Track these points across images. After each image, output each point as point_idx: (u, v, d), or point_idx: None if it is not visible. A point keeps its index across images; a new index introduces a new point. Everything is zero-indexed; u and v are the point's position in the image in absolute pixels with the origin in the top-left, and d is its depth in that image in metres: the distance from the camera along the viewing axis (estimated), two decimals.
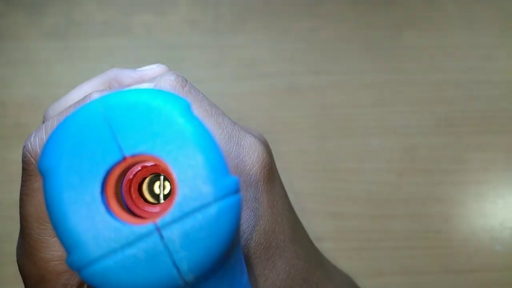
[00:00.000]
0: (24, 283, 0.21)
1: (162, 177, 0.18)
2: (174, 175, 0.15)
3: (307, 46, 0.59)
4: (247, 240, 0.22)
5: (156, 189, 0.18)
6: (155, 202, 0.18)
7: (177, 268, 0.14)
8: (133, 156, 0.15)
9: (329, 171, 0.55)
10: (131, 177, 0.17)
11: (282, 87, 0.58)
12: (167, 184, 0.18)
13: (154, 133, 0.15)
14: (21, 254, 0.21)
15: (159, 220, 0.15)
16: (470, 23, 0.60)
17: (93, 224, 0.15)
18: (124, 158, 0.15)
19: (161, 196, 0.18)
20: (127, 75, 0.25)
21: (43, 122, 0.23)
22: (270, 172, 0.23)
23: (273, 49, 0.59)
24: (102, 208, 0.15)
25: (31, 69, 0.58)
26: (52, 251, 0.20)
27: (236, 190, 0.16)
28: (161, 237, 0.15)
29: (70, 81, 0.58)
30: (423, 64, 0.59)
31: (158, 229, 0.15)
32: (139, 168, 0.17)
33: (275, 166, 0.25)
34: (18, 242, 0.22)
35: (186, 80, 0.24)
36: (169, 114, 0.15)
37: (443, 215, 0.54)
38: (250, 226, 0.23)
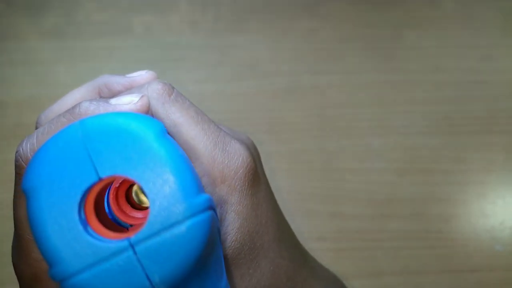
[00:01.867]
0: (19, 282, 0.22)
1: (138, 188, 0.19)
2: (147, 195, 0.16)
3: (307, 46, 0.59)
4: (232, 241, 0.23)
5: (142, 197, 0.19)
6: (144, 206, 0.19)
7: (150, 280, 0.16)
8: (107, 177, 0.16)
9: (329, 171, 0.55)
10: (117, 185, 0.18)
11: (282, 87, 0.58)
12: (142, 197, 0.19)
13: (128, 155, 0.16)
14: (16, 254, 0.22)
15: (133, 237, 0.16)
16: (470, 23, 0.60)
17: (72, 241, 0.16)
18: (100, 179, 0.16)
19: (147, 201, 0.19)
20: (116, 82, 0.25)
21: (36, 128, 0.23)
22: (255, 176, 0.24)
23: (273, 49, 0.59)
24: (79, 226, 0.16)
25: (31, 69, 0.58)
26: None
27: (206, 208, 0.17)
28: (135, 252, 0.16)
29: (70, 81, 0.58)
30: (423, 64, 0.59)
31: (131, 245, 0.16)
32: (109, 184, 0.17)
33: (261, 169, 0.26)
34: (13, 243, 0.22)
35: (173, 88, 0.24)
36: (142, 138, 0.16)
37: (443, 215, 0.54)
38: (235, 228, 0.23)
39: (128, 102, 0.22)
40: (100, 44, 0.59)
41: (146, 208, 0.19)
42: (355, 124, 0.57)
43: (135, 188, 0.20)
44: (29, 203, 0.17)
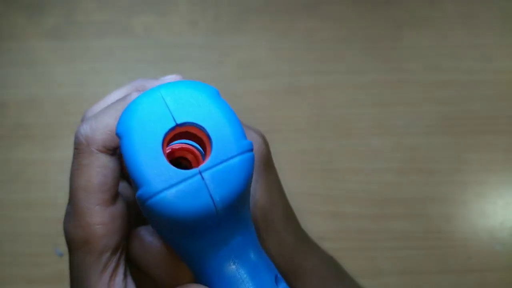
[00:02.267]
0: (69, 247, 0.25)
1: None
2: (210, 137, 0.22)
3: (307, 46, 0.60)
4: (251, 211, 0.27)
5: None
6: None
7: (212, 198, 0.21)
8: (182, 124, 0.22)
9: (329, 171, 0.55)
10: (170, 150, 0.23)
11: (282, 87, 0.58)
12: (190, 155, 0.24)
13: (197, 109, 0.22)
14: (68, 221, 0.25)
15: (200, 167, 0.21)
16: (470, 23, 0.61)
17: (157, 168, 0.21)
18: (177, 125, 0.21)
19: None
20: (151, 84, 0.28)
21: (82, 121, 0.27)
22: (268, 160, 0.28)
23: (273, 49, 0.59)
24: (162, 157, 0.21)
25: (31, 69, 0.58)
26: (96, 217, 0.24)
27: (250, 149, 0.22)
28: (202, 177, 0.21)
29: (70, 80, 0.58)
30: (423, 64, 0.59)
31: (200, 172, 0.21)
32: (181, 131, 0.22)
33: (271, 157, 0.30)
34: (66, 211, 0.26)
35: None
36: (206, 97, 0.22)
37: (443, 215, 0.54)
38: (252, 203, 0.27)
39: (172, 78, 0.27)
40: (100, 44, 0.59)
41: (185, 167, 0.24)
42: (355, 124, 0.57)
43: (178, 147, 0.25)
44: (122, 141, 0.21)
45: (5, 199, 0.54)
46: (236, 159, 0.22)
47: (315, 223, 0.53)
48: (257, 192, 0.28)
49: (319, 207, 0.54)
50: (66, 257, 0.49)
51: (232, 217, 0.22)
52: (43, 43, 0.59)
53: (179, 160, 0.24)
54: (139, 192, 0.21)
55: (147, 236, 0.26)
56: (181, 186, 0.21)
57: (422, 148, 0.56)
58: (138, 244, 0.27)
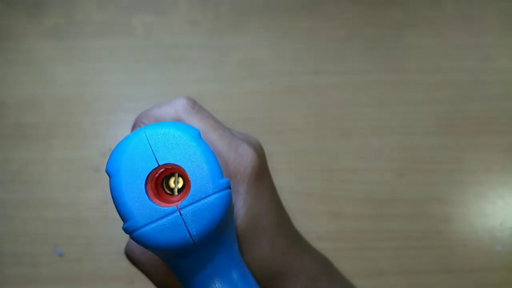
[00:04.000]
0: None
1: (176, 176, 0.26)
2: (189, 177, 0.23)
3: (307, 46, 0.59)
4: (240, 223, 0.29)
5: (172, 184, 0.26)
6: (170, 193, 0.26)
7: (189, 232, 0.23)
8: (164, 164, 0.23)
9: (329, 171, 0.55)
10: (157, 175, 0.25)
11: (282, 87, 0.57)
12: (180, 180, 0.26)
13: (178, 150, 0.24)
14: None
15: (179, 204, 0.23)
16: (470, 23, 0.60)
17: (140, 205, 0.23)
18: (159, 166, 0.23)
19: (176, 189, 0.26)
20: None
21: (134, 125, 0.30)
22: (259, 172, 0.29)
23: (273, 49, 0.59)
24: (145, 196, 0.23)
25: (31, 69, 0.57)
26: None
27: (227, 187, 0.24)
28: (181, 214, 0.23)
29: (70, 80, 0.57)
30: (423, 64, 0.59)
31: (178, 209, 0.23)
32: (162, 170, 0.24)
33: (266, 166, 0.31)
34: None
35: (195, 102, 0.30)
36: (187, 139, 0.24)
37: (443, 215, 0.53)
38: (243, 213, 0.29)
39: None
40: (100, 44, 0.58)
41: (173, 194, 0.26)
42: (355, 124, 0.56)
43: (164, 179, 0.26)
44: (111, 180, 0.23)
45: (5, 199, 0.53)
46: (212, 198, 0.23)
47: (315, 223, 0.53)
48: (248, 201, 0.29)
49: (319, 207, 0.53)
50: (66, 257, 0.51)
51: (210, 243, 0.24)
52: (43, 43, 0.58)
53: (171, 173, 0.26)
54: (125, 225, 0.23)
55: None
56: (161, 222, 0.23)
57: (422, 148, 0.56)
58: (138, 249, 0.30)
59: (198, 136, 0.24)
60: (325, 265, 0.35)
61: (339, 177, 0.55)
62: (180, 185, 0.26)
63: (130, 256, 0.30)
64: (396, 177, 0.55)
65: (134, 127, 0.30)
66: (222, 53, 0.58)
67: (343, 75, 0.58)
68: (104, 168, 0.53)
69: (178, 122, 0.25)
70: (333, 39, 0.59)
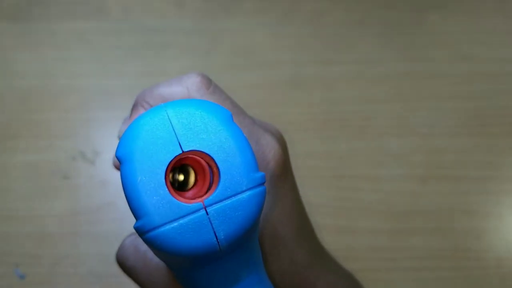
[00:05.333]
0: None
1: (190, 168, 0.25)
2: (218, 168, 0.23)
3: (313, 30, 0.59)
4: (259, 229, 0.28)
5: (180, 177, 0.25)
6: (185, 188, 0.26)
7: (216, 236, 0.22)
8: (189, 151, 0.23)
9: (340, 178, 0.54)
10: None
11: (284, 79, 0.57)
12: (192, 173, 0.25)
13: (206, 135, 0.23)
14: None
15: (205, 200, 0.22)
16: (503, 4, 0.60)
17: (158, 200, 0.22)
18: (183, 152, 0.23)
19: (175, 185, 0.25)
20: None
21: (135, 106, 0.29)
22: (283, 168, 0.29)
23: (273, 34, 0.59)
24: (165, 188, 0.22)
25: None
26: None
27: (262, 183, 0.23)
28: (207, 213, 0.22)
29: (33, 71, 0.57)
30: (449, 53, 0.59)
31: (204, 207, 0.22)
32: (183, 158, 0.24)
33: (289, 162, 0.31)
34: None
35: (211, 81, 0.29)
36: (217, 122, 0.23)
37: (473, 230, 0.53)
38: (262, 216, 0.29)
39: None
40: (69, 27, 0.58)
41: (185, 190, 0.25)
42: (370, 123, 0.56)
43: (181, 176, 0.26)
44: (124, 167, 0.22)
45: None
46: (245, 195, 0.23)
47: (323, 239, 0.49)
48: (267, 206, 0.29)
49: (328, 220, 0.53)
50: (28, 280, 0.52)
51: (236, 252, 0.24)
52: (1, 26, 0.58)
53: (184, 167, 0.26)
54: (138, 223, 0.22)
55: (142, 246, 0.29)
56: (183, 221, 0.22)
57: (449, 152, 0.55)
58: (133, 255, 0.30)
59: (230, 119, 0.24)
60: (352, 285, 0.35)
61: (352, 185, 0.54)
62: (192, 179, 0.25)
63: (122, 263, 0.30)
64: (418, 185, 0.55)
65: (135, 108, 0.30)
66: (213, 38, 0.58)
67: (356, 65, 0.58)
68: (74, 174, 0.54)
69: (206, 100, 0.25)
70: (344, 23, 0.59)
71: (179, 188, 0.25)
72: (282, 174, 0.29)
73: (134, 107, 0.30)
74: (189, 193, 0.25)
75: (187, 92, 0.28)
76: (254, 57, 0.58)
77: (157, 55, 0.58)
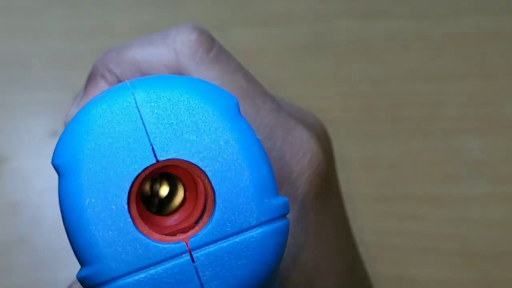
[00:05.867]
0: None
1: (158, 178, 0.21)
2: (214, 190, 0.19)
3: None
4: (281, 279, 0.25)
5: (159, 191, 0.21)
6: (152, 210, 0.21)
7: None
8: (166, 160, 0.19)
9: (388, 201, 0.48)
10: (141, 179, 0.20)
11: (303, 42, 0.51)
12: (163, 186, 0.21)
13: (194, 136, 0.19)
14: None
15: (190, 239, 0.18)
16: None
17: (118, 236, 0.18)
18: (157, 162, 0.19)
19: (155, 202, 0.21)
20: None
21: (92, 76, 0.27)
22: (325, 184, 0.25)
23: None
24: (127, 218, 0.18)
25: None
26: None
27: (284, 214, 0.19)
28: (193, 260, 0.18)
29: None
30: None
31: (189, 250, 0.18)
32: (158, 169, 0.20)
33: (335, 174, 0.28)
34: None
35: (213, 40, 0.25)
36: (214, 113, 0.19)
37: None
38: (288, 259, 0.25)
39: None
40: None
41: (165, 214, 0.22)
42: (435, 113, 0.50)
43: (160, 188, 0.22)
44: (63, 182, 0.19)
45: None
46: (255, 233, 0.18)
47: None
48: (297, 242, 0.25)
49: (370, 266, 0.41)
50: None
51: None
52: None
53: (169, 175, 0.22)
54: (84, 272, 0.18)
55: None
56: (155, 271, 0.18)
57: None
58: None
59: (235, 110, 0.20)
60: None
61: (407, 210, 0.48)
62: (165, 191, 0.21)
63: None
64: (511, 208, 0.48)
65: (91, 80, 0.27)
66: None
67: (411, 21, 0.51)
68: None
69: (197, 79, 0.21)
70: None
71: (160, 207, 0.21)
72: (323, 193, 0.26)
73: (91, 78, 0.27)
74: (173, 219, 0.21)
75: (174, 58, 0.25)
76: (256, 8, 0.52)
77: (105, 3, 0.52)
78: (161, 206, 0.22)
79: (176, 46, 0.25)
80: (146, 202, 0.22)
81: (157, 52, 0.25)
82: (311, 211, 0.25)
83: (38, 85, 0.51)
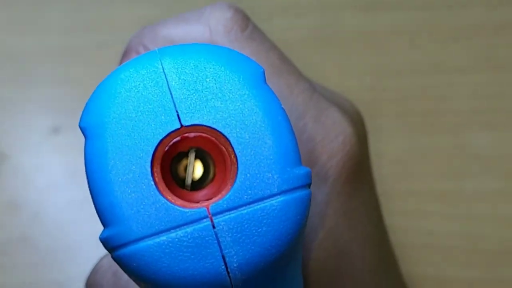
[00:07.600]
0: None
1: (192, 156, 0.22)
2: (237, 155, 0.20)
3: None
4: (306, 260, 0.25)
5: (182, 171, 0.22)
6: (181, 185, 0.22)
7: (226, 263, 0.19)
8: (191, 126, 0.20)
9: (394, 197, 0.47)
10: (167, 148, 0.21)
11: (307, 34, 0.51)
12: (198, 164, 0.22)
13: (220, 103, 0.20)
14: None
15: (211, 205, 0.19)
16: None
17: (140, 198, 0.19)
18: (181, 127, 0.20)
19: (188, 181, 0.21)
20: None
21: (127, 52, 0.27)
22: (357, 167, 0.26)
23: None
24: (149, 181, 0.19)
25: None
26: None
27: (307, 185, 0.20)
28: (213, 225, 0.19)
29: None
30: None
31: (210, 215, 0.19)
32: (179, 139, 0.20)
33: (368, 159, 0.28)
34: None
35: (248, 19, 0.26)
36: (240, 83, 0.20)
37: None
38: (316, 241, 0.26)
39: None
40: None
41: (194, 189, 0.22)
42: (443, 106, 0.49)
43: (186, 161, 0.22)
44: (89, 144, 0.20)
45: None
46: (276, 201, 0.19)
47: None
48: (330, 220, 0.26)
49: None
50: None
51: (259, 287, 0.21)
52: None
53: (202, 155, 0.22)
54: (106, 233, 0.19)
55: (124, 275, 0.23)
56: (175, 235, 0.19)
57: None
58: (110, 284, 0.26)
59: (261, 79, 0.21)
60: None
61: (414, 208, 0.47)
62: (199, 172, 0.21)
63: None
64: None
65: (126, 54, 0.27)
66: None
67: (420, 13, 0.51)
68: None
69: (225, 47, 0.21)
70: None
71: (193, 187, 0.21)
72: (355, 176, 0.26)
73: (125, 54, 0.27)
74: (201, 194, 0.21)
75: (209, 35, 0.26)
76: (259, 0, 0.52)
77: None
78: (194, 186, 0.22)
79: (210, 24, 0.26)
80: (180, 184, 0.22)
81: (192, 29, 0.26)
82: (342, 194, 0.26)
83: (38, 81, 0.51)
